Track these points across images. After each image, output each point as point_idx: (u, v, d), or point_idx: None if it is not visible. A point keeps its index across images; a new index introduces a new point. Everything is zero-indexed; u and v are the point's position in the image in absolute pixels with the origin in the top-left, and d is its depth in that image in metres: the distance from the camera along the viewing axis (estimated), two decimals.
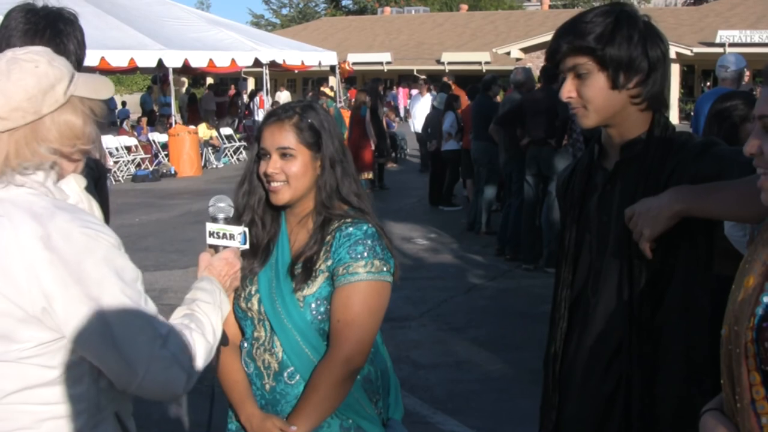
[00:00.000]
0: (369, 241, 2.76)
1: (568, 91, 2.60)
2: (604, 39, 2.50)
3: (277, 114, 2.84)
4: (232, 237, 2.73)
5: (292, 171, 2.78)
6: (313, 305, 2.75)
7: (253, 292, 2.86)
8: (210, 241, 2.74)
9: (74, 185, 2.35)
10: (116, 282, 2.12)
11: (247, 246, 2.77)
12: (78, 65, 2.98)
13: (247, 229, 2.78)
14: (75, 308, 2.06)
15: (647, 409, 2.55)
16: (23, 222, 2.06)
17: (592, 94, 2.56)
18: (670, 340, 2.53)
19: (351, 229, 2.77)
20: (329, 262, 2.76)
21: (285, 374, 2.78)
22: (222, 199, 2.81)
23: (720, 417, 1.95)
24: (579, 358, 2.73)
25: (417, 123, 20.95)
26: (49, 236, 2.05)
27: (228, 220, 2.78)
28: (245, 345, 2.90)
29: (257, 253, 2.88)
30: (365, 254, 2.74)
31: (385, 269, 2.77)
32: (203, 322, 2.41)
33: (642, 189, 2.53)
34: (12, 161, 2.12)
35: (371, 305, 2.74)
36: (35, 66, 2.15)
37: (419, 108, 21.16)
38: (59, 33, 2.93)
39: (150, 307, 2.20)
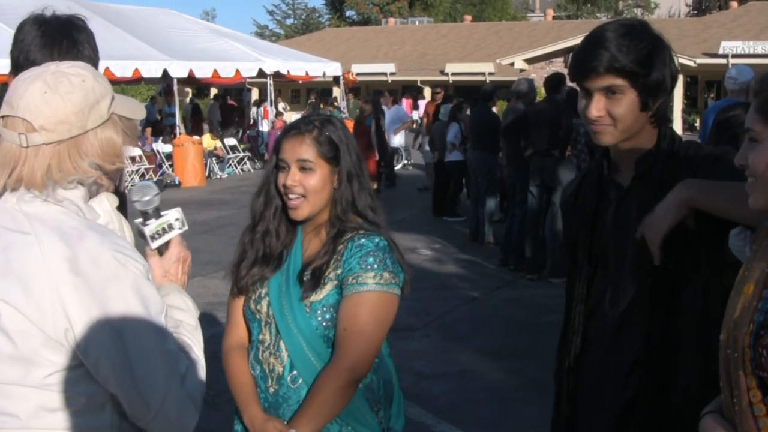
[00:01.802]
0: (380, 253, 2.79)
1: (597, 110, 2.56)
2: (645, 64, 2.50)
3: (297, 127, 2.87)
4: (171, 227, 2.53)
5: (310, 185, 2.81)
6: (320, 312, 2.78)
7: (263, 295, 2.90)
8: (154, 245, 2.51)
9: (106, 204, 2.34)
10: (140, 313, 2.08)
11: (186, 227, 2.58)
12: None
13: (180, 209, 2.57)
14: (95, 335, 2.02)
15: (665, 420, 2.57)
16: (51, 242, 2.03)
17: (623, 114, 2.55)
18: (689, 351, 2.55)
19: (363, 240, 2.80)
20: (339, 271, 2.79)
21: (288, 378, 2.81)
22: (145, 191, 2.52)
23: (719, 419, 2.01)
24: (596, 370, 2.74)
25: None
26: (76, 259, 2.01)
27: (158, 211, 2.53)
28: (252, 347, 2.93)
29: (270, 261, 2.92)
30: (375, 266, 2.77)
31: (394, 282, 2.80)
32: (195, 349, 2.35)
33: (657, 202, 2.53)
34: (54, 174, 2.09)
35: (378, 316, 2.77)
36: (82, 80, 2.13)
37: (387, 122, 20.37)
38: (76, 42, 2.97)
39: (171, 341, 2.18)
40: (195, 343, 2.36)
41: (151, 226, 2.51)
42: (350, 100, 26.61)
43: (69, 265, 2.01)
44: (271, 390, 2.84)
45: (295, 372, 2.80)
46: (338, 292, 2.78)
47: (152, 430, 2.18)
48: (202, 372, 2.32)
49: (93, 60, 3.02)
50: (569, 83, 11.12)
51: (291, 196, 2.82)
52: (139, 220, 2.53)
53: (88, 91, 2.12)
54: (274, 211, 2.92)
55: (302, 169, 2.81)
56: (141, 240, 2.55)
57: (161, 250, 2.53)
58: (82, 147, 2.12)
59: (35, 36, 2.92)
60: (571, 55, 2.80)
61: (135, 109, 2.28)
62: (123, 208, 3.30)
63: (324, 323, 2.78)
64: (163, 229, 2.52)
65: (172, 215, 2.54)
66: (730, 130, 4.36)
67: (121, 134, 2.20)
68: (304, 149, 2.81)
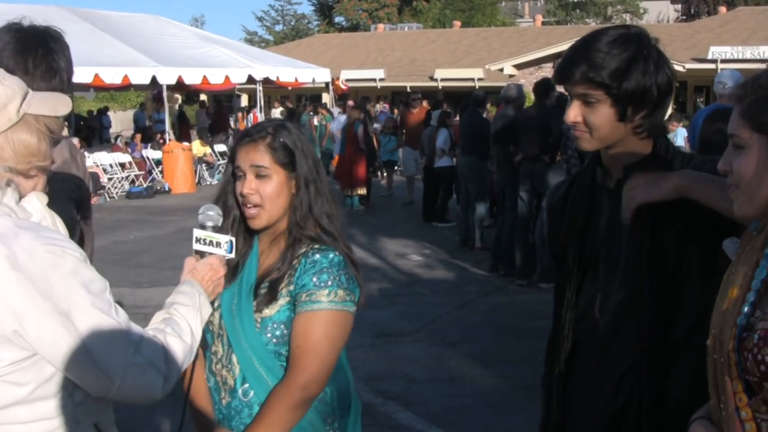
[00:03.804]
0: (334, 270, 2.74)
1: (574, 115, 2.58)
2: (619, 76, 2.48)
3: (250, 134, 2.82)
4: (218, 245, 2.76)
5: (267, 192, 2.77)
6: (269, 328, 2.75)
7: (215, 307, 2.84)
8: (196, 246, 2.76)
9: (36, 203, 2.34)
10: (85, 295, 2.13)
11: (233, 255, 2.79)
12: (68, 81, 3.03)
13: (233, 239, 2.80)
14: (46, 325, 2.07)
15: (657, 427, 2.56)
16: None
17: (599, 124, 2.55)
18: (681, 358, 2.54)
19: (318, 256, 2.75)
20: (291, 287, 2.75)
21: (240, 391, 2.78)
22: (211, 208, 2.82)
23: (707, 425, 2.01)
24: (587, 377, 2.73)
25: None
26: (14, 256, 2.05)
27: (216, 229, 2.80)
28: (207, 358, 2.90)
29: (226, 271, 2.87)
30: (329, 283, 2.72)
31: (348, 299, 2.76)
32: (180, 324, 2.45)
33: (650, 209, 2.53)
34: None
35: (331, 334, 2.73)
36: None
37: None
38: (50, 51, 2.96)
39: (121, 315, 2.22)
40: (182, 320, 2.49)
41: (200, 232, 2.78)
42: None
43: (8, 263, 2.04)
44: (224, 402, 2.82)
45: (246, 385, 2.77)
46: (290, 308, 2.75)
47: (120, 399, 2.25)
48: (176, 342, 2.39)
49: (66, 71, 3.02)
50: (558, 89, 11.18)
51: (248, 205, 2.79)
52: (196, 228, 2.80)
53: None
54: (232, 221, 2.88)
55: (258, 176, 2.78)
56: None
57: (202, 257, 2.78)
58: None
59: (8, 42, 2.92)
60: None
61: (57, 106, 2.28)
62: (87, 207, 3.34)
63: (274, 339, 2.75)
64: (210, 241, 2.77)
65: (224, 237, 2.78)
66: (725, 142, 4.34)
67: (35, 133, 2.21)
68: (259, 156, 2.77)
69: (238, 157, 2.82)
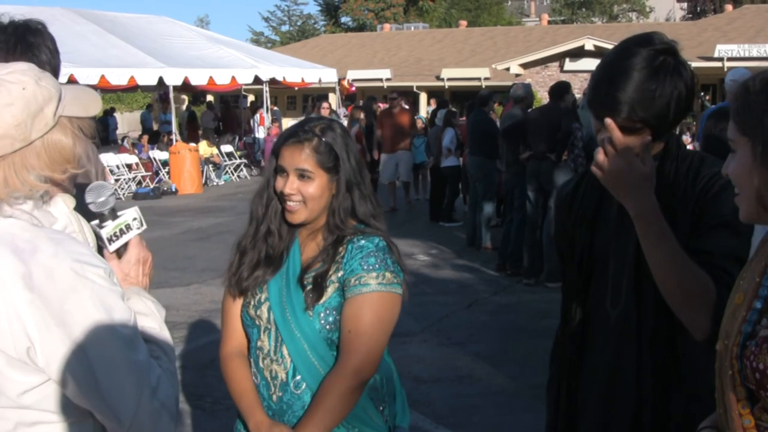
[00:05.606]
0: (381, 254, 2.78)
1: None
2: (663, 116, 2.46)
3: (296, 134, 2.82)
4: (129, 228, 2.43)
5: (309, 192, 2.79)
6: (322, 314, 2.76)
7: (263, 300, 2.87)
8: (113, 247, 2.40)
9: (62, 206, 2.21)
10: (103, 324, 1.97)
11: (144, 226, 2.48)
12: (54, 73, 2.95)
13: (137, 207, 2.50)
14: (57, 351, 1.93)
15: (673, 426, 2.56)
16: (3, 259, 1.93)
17: (636, 145, 2.46)
18: (690, 358, 2.54)
19: (363, 241, 2.79)
20: (340, 273, 2.77)
21: (292, 384, 2.78)
22: (99, 191, 2.41)
23: None
24: (599, 373, 2.73)
25: None
26: (30, 275, 1.91)
27: (114, 212, 2.42)
28: (251, 355, 2.91)
29: (272, 262, 2.90)
30: (377, 266, 2.76)
31: (395, 281, 2.80)
32: (167, 351, 2.25)
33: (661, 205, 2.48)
34: (1, 191, 1.98)
35: (382, 316, 2.76)
36: (23, 88, 1.98)
37: None
38: (30, 46, 2.92)
39: (140, 351, 2.07)
40: (160, 348, 2.25)
41: (108, 228, 2.40)
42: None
43: (23, 282, 1.91)
44: (275, 397, 2.81)
45: (298, 377, 2.78)
46: (340, 294, 2.77)
47: None
48: (173, 378, 2.21)
49: (51, 64, 2.96)
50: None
51: (289, 202, 2.81)
52: (94, 222, 2.40)
53: (29, 99, 1.99)
54: (275, 213, 2.90)
55: (301, 176, 2.79)
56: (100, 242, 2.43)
57: (120, 252, 2.44)
58: (29, 159, 2.00)
59: None
60: (589, 76, 2.73)
61: (88, 105, 2.14)
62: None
63: (327, 326, 2.76)
64: (121, 230, 2.41)
65: (130, 215, 2.44)
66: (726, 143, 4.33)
67: (71, 137, 2.07)
68: (303, 158, 2.78)
69: (282, 156, 2.83)
